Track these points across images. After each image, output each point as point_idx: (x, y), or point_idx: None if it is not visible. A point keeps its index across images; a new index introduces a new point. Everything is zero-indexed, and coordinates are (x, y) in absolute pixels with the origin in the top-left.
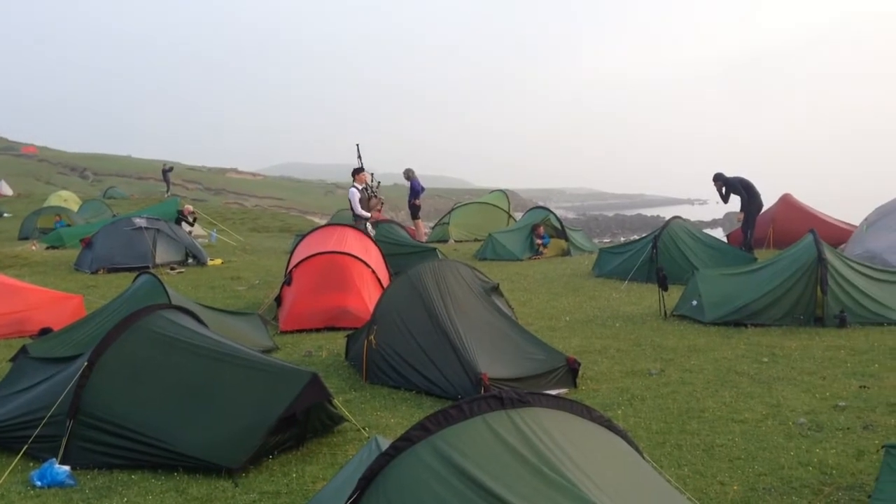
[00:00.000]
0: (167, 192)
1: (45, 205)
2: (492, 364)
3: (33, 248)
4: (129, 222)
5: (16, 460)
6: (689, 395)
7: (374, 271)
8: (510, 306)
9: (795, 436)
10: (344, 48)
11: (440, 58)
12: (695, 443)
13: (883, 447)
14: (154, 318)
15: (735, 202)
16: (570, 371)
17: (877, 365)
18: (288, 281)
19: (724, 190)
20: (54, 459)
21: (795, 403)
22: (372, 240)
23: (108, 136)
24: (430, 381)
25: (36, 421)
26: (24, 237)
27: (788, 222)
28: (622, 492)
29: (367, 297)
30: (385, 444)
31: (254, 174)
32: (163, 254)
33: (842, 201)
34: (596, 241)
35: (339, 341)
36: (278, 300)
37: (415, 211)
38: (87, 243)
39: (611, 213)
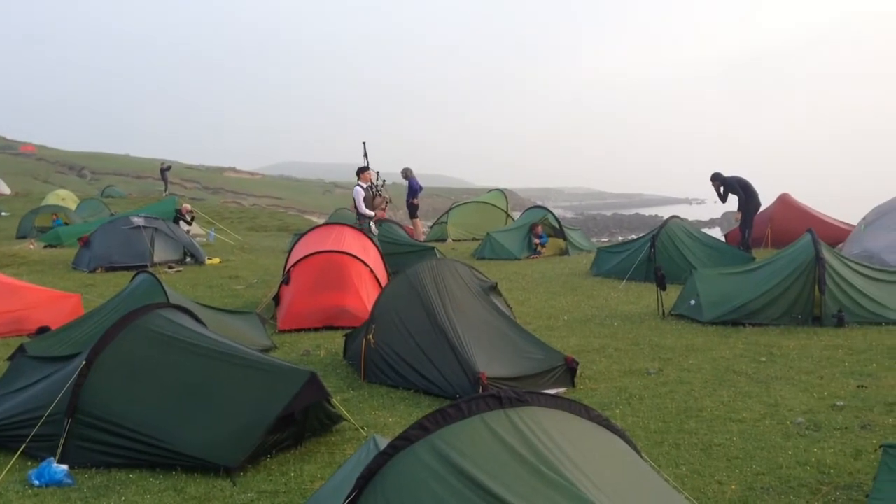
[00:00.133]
0: (165, 191)
1: (43, 203)
2: (490, 363)
3: (31, 246)
4: (128, 221)
5: (13, 459)
6: (687, 394)
7: (372, 270)
8: (508, 305)
9: (793, 435)
10: (344, 48)
11: (440, 58)
12: (693, 442)
13: (881, 447)
14: (152, 317)
15: (733, 202)
16: (569, 370)
17: (875, 364)
18: (286, 280)
19: (722, 189)
20: (52, 458)
21: (793, 403)
22: (372, 239)
23: (107, 135)
24: (428, 380)
25: (34, 420)
26: (21, 236)
27: (786, 222)
28: (620, 491)
29: (365, 296)
30: (383, 443)
31: (252, 173)
32: (161, 253)
33: (840, 201)
34: (594, 240)
35: (337, 340)
36: (276, 299)
37: (413, 210)
38: (85, 242)
39: (609, 213)
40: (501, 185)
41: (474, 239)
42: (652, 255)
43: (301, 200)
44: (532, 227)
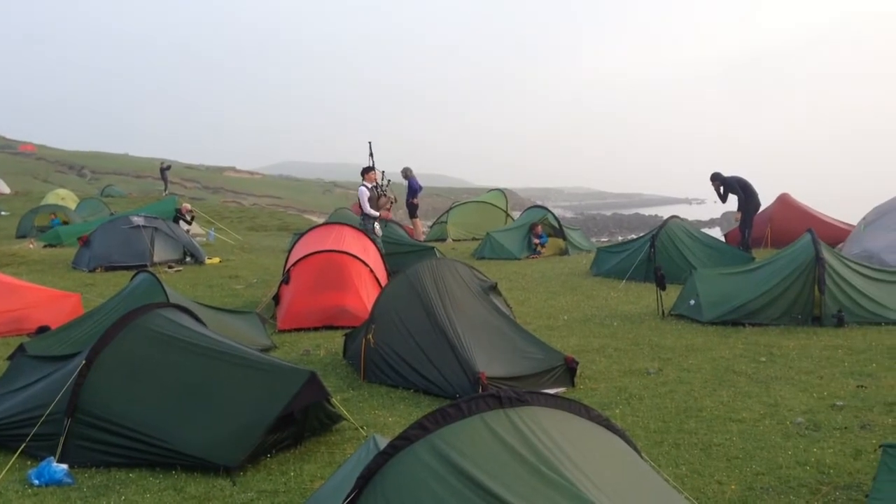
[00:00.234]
0: (165, 190)
1: (43, 203)
2: (490, 363)
3: (31, 246)
4: (127, 221)
5: (13, 459)
6: (687, 394)
7: (372, 270)
8: (508, 305)
9: (793, 435)
10: (344, 48)
11: (440, 58)
12: (692, 442)
13: (880, 446)
14: (152, 317)
15: (733, 202)
16: (568, 370)
17: (874, 364)
18: (286, 279)
19: (721, 190)
20: (52, 458)
21: (793, 403)
22: (372, 239)
23: (106, 135)
24: (428, 380)
25: (34, 419)
26: (21, 235)
27: (786, 222)
28: (620, 491)
29: (365, 295)
30: (383, 442)
31: (252, 173)
32: (161, 252)
33: (840, 201)
34: (594, 240)
35: (337, 340)
36: (276, 299)
37: (413, 210)
38: (85, 242)
39: (609, 213)
40: (501, 185)
41: (474, 239)
42: (652, 254)
43: (301, 200)
44: (532, 227)
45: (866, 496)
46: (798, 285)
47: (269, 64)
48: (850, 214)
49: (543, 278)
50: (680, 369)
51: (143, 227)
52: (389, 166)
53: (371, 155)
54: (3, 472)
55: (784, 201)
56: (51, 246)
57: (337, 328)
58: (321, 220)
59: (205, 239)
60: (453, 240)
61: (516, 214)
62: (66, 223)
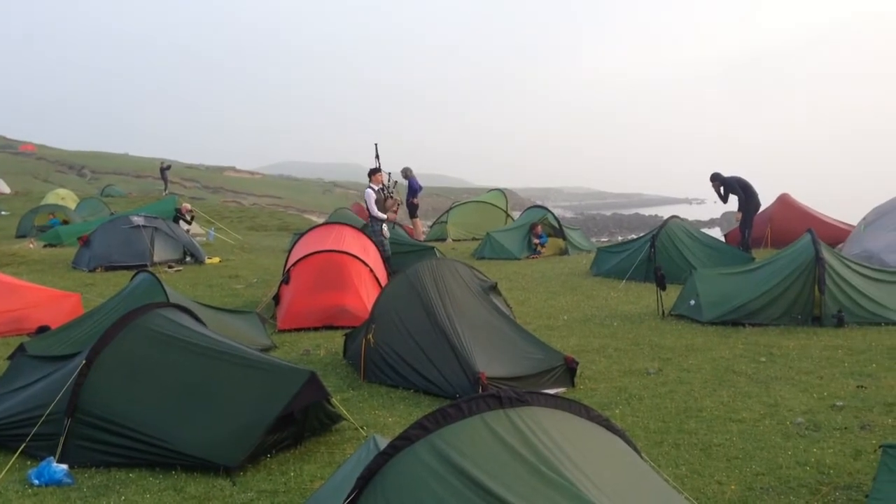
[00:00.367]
0: (165, 190)
1: (43, 203)
2: (490, 363)
3: (31, 246)
4: (127, 220)
5: (13, 459)
6: (687, 394)
7: (372, 270)
8: (508, 305)
9: (793, 435)
10: (344, 48)
11: (440, 58)
12: (692, 442)
13: (880, 447)
14: (152, 317)
15: (733, 202)
16: (568, 370)
17: (874, 365)
18: (286, 279)
19: (722, 190)
20: (52, 458)
21: (793, 403)
22: (380, 241)
23: (106, 135)
24: (428, 380)
25: (34, 419)
26: (21, 235)
27: (786, 222)
28: (620, 491)
29: (365, 295)
30: (383, 442)
31: (252, 173)
32: (161, 252)
33: (840, 201)
34: (594, 240)
35: (337, 340)
36: (276, 299)
37: (412, 210)
38: (85, 241)
39: (608, 213)
40: (501, 185)
41: (474, 239)
42: (652, 255)
43: (301, 200)
44: (532, 227)
45: (866, 496)
46: (798, 285)
47: (269, 64)
48: (850, 215)
49: (543, 278)
50: (680, 369)
51: (143, 226)
52: (389, 166)
53: (377, 157)
54: (3, 472)
55: (784, 201)
56: (51, 246)
57: (337, 328)
58: (321, 220)
59: (205, 239)
60: (453, 240)
61: (516, 214)
62: (65, 223)
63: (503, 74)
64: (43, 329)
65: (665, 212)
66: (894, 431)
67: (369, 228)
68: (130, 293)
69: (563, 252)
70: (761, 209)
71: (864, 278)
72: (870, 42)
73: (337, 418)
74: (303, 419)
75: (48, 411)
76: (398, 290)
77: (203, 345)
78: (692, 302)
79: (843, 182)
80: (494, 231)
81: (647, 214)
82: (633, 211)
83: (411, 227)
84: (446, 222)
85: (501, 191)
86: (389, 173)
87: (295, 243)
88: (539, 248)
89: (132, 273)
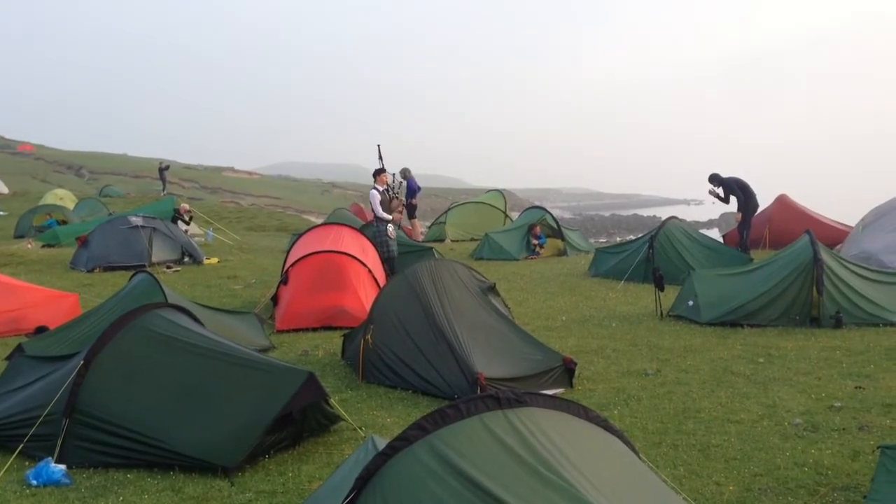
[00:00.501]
0: (163, 190)
1: (41, 203)
2: (488, 364)
3: (29, 246)
4: (126, 221)
5: (11, 459)
6: (686, 395)
7: (370, 271)
8: (507, 306)
9: (791, 436)
10: (344, 48)
11: (440, 58)
12: (691, 443)
13: (878, 448)
14: (150, 317)
15: (732, 203)
16: (567, 371)
17: (872, 366)
18: (284, 280)
19: (721, 191)
20: (50, 458)
21: (791, 404)
22: (385, 241)
23: (105, 135)
24: (426, 380)
25: (32, 420)
26: (19, 235)
27: (784, 223)
28: (619, 492)
29: (363, 296)
30: (382, 443)
31: (250, 173)
32: (159, 252)
33: (838, 202)
34: (592, 240)
35: (335, 340)
36: (275, 299)
37: (411, 210)
38: (83, 242)
39: (607, 213)
40: (500, 186)
41: (472, 239)
42: (650, 255)
43: (299, 200)
44: (530, 228)
45: (864, 497)
46: (796, 286)
47: (269, 64)
48: (848, 216)
49: (542, 279)
50: (678, 370)
51: (142, 227)
52: (389, 167)
53: (381, 158)
54: (1, 472)
55: (782, 202)
56: (49, 246)
57: (335, 329)
58: (320, 221)
59: (203, 239)
60: (452, 240)
61: (515, 215)
62: (63, 223)
63: (503, 74)
64: (41, 329)
65: (663, 212)
66: (892, 432)
67: (373, 229)
68: (129, 293)
69: (562, 253)
70: (760, 210)
71: (863, 279)
72: (870, 42)
73: (335, 419)
74: (301, 420)
75: (46, 412)
76: (397, 291)
77: (201, 345)
78: (690, 303)
79: (841, 183)
80: (493, 232)
81: (645, 215)
82: (631, 212)
83: (409, 227)
84: (445, 223)
85: (500, 191)
86: (394, 174)
87: (293, 244)
88: (537, 248)
89: (130, 273)
